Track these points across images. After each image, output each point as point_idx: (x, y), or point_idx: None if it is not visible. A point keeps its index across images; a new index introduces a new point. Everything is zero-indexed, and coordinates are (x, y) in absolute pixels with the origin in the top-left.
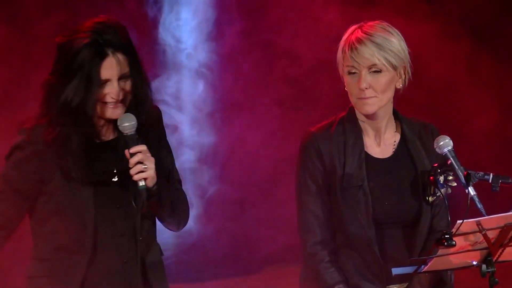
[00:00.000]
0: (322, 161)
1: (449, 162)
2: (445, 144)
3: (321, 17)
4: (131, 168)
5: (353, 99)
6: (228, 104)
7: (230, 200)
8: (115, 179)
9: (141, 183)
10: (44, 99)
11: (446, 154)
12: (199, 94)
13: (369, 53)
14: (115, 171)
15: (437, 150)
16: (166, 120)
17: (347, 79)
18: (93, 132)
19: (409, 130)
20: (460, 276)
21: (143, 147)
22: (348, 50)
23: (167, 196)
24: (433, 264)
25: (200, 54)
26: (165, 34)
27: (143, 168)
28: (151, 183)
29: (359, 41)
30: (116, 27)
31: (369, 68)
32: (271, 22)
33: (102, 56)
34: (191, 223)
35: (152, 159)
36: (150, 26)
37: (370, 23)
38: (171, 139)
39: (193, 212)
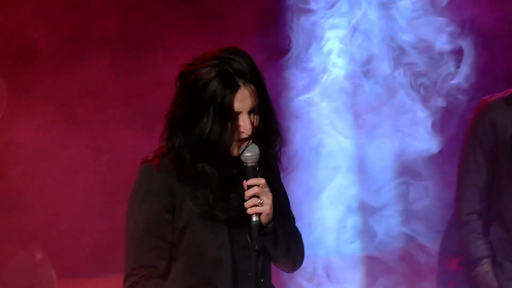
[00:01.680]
0: (496, 133)
1: None
2: None
3: None
4: (246, 201)
5: None
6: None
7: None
8: (237, 216)
9: (254, 218)
10: (169, 133)
11: None
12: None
13: None
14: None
15: None
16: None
17: None
18: (227, 169)
19: None
20: None
21: (261, 181)
22: None
23: (283, 235)
24: None
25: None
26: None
27: (258, 202)
28: (265, 219)
29: None
30: (243, 56)
31: None
32: None
33: (234, 88)
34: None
35: (270, 195)
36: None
37: None
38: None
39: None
